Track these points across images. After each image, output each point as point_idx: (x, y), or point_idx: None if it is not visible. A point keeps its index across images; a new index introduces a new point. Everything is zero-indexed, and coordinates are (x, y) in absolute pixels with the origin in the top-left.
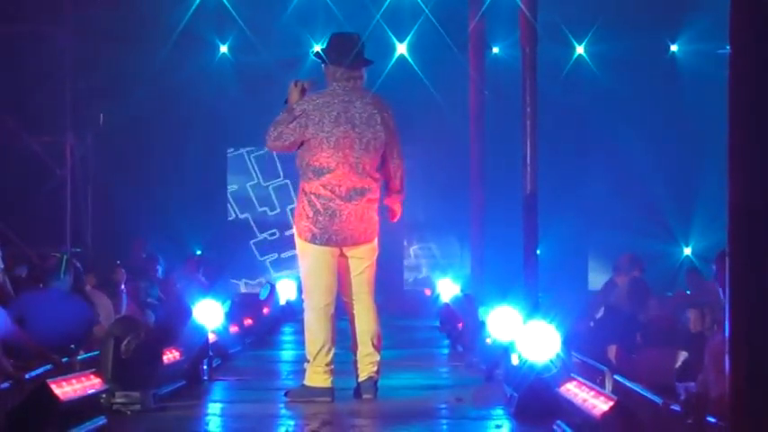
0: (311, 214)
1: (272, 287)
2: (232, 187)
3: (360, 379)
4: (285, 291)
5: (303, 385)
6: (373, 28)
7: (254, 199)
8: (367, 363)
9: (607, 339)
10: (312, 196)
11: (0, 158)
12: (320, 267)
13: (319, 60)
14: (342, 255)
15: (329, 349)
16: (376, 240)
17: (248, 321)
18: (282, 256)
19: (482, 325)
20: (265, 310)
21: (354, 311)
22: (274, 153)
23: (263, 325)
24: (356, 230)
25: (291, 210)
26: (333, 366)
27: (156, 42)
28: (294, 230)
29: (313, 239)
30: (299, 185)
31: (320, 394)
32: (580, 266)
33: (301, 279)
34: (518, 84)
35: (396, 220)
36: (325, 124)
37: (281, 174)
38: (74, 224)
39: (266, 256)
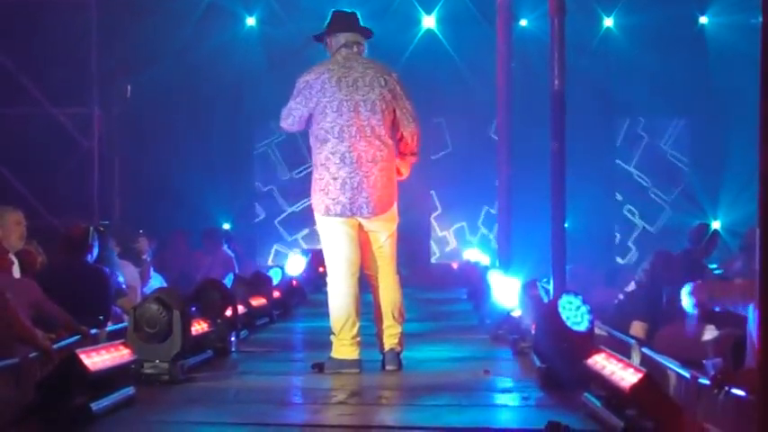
0: (323, 186)
1: (282, 270)
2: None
3: (383, 351)
4: (293, 268)
5: (330, 358)
6: (401, 1)
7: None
8: (389, 335)
9: (633, 314)
10: (321, 168)
11: (27, 130)
12: (339, 239)
13: (320, 43)
14: (361, 227)
15: (354, 322)
16: (395, 208)
17: (277, 294)
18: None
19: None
20: (255, 302)
21: (377, 284)
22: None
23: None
24: (371, 198)
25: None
26: (359, 338)
27: (184, 14)
28: (312, 202)
29: (327, 212)
30: (312, 155)
31: (348, 366)
32: (608, 239)
33: (323, 253)
34: (546, 56)
35: (402, 179)
36: (327, 90)
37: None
38: (101, 196)
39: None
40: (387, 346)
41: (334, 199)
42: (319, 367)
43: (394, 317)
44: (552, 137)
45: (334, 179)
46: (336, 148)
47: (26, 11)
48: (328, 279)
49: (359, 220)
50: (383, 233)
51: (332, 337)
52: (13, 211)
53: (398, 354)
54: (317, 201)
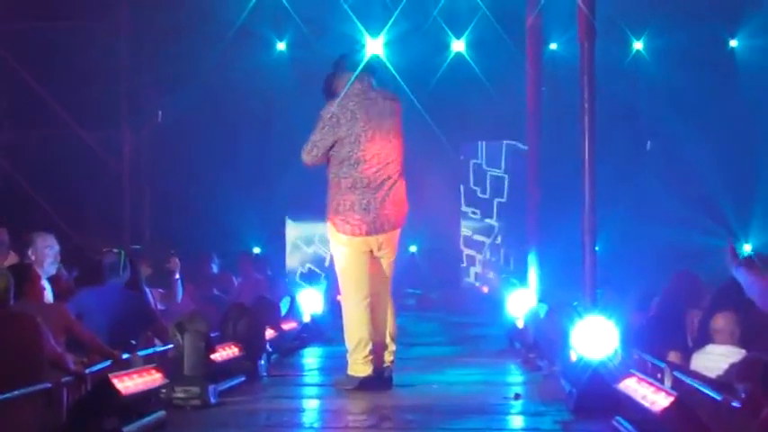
0: (348, 207)
1: (292, 299)
2: None
3: (381, 367)
4: (309, 304)
5: (347, 375)
6: (430, 24)
7: None
8: (389, 352)
9: (660, 337)
10: (347, 191)
11: (57, 154)
12: (357, 260)
13: (328, 91)
14: (372, 251)
15: (366, 344)
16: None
17: (307, 318)
18: None
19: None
20: (285, 326)
21: (379, 306)
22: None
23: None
24: (391, 216)
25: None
26: (371, 357)
27: (214, 39)
28: (329, 226)
29: (353, 232)
30: (329, 180)
31: (361, 382)
32: (638, 263)
33: (338, 274)
34: (576, 80)
35: None
36: (359, 119)
37: None
38: (132, 220)
39: None
40: (386, 363)
41: (360, 219)
42: (338, 383)
43: (392, 337)
44: (582, 159)
45: (360, 201)
46: (365, 173)
47: (56, 34)
48: (344, 301)
49: (375, 242)
50: (390, 255)
51: (347, 354)
52: (45, 236)
53: (391, 371)
54: (341, 223)
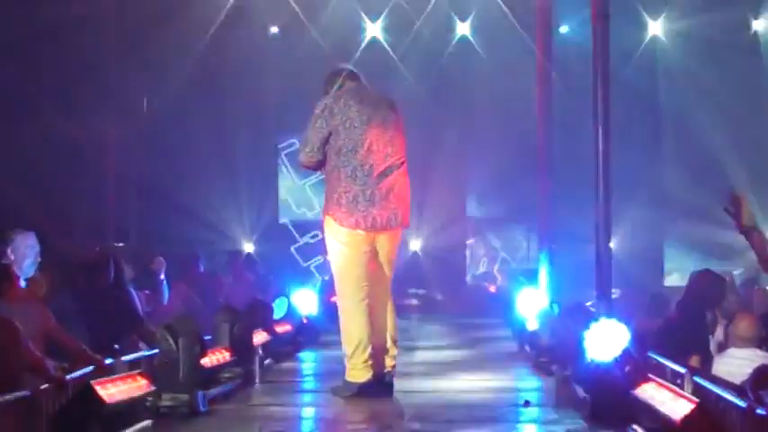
0: (351, 199)
1: (289, 300)
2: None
3: (382, 372)
4: (303, 304)
5: (345, 381)
6: (434, 7)
7: (290, 202)
8: (390, 356)
9: (680, 340)
10: (347, 180)
11: (40, 148)
12: (357, 259)
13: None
14: (371, 245)
15: (365, 347)
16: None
17: (303, 320)
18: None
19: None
20: (279, 329)
21: (379, 306)
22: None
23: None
24: (398, 211)
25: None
26: (371, 362)
27: (204, 27)
28: (327, 220)
29: (357, 225)
30: (328, 173)
31: (361, 389)
32: (656, 260)
33: (335, 273)
34: (588, 65)
35: None
36: (352, 106)
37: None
38: (117, 217)
39: (310, 261)
40: (386, 368)
41: (365, 211)
42: (335, 391)
43: (394, 340)
44: (596, 149)
45: (364, 192)
46: (364, 160)
47: (42, 26)
48: (341, 302)
49: (378, 239)
50: (391, 253)
51: (345, 360)
52: (25, 234)
53: (392, 376)
54: (344, 215)
